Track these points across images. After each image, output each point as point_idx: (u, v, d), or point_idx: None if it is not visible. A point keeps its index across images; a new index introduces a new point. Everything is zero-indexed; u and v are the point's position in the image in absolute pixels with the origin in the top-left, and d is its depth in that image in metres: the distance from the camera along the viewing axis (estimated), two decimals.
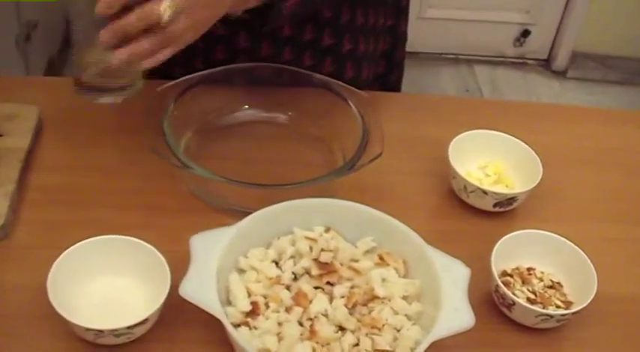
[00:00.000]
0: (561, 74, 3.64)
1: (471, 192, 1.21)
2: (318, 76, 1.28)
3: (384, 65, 1.50)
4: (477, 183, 1.20)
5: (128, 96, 1.18)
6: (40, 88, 1.37)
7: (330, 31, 1.37)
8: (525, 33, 3.60)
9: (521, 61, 3.69)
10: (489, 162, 1.28)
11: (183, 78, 1.21)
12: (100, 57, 1.05)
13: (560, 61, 3.63)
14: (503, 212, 1.23)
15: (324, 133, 1.28)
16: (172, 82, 1.21)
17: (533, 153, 1.26)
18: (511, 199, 1.20)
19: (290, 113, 1.30)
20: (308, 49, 1.38)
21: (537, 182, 1.21)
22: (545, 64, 3.69)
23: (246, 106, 1.29)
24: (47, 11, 2.84)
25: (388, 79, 1.52)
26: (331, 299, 1.00)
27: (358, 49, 1.40)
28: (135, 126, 1.21)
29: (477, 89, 3.45)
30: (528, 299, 1.07)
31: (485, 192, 1.19)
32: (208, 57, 1.33)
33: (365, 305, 1.00)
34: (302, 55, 1.38)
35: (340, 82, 1.26)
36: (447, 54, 3.58)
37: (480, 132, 1.28)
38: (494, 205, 1.21)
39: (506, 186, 1.25)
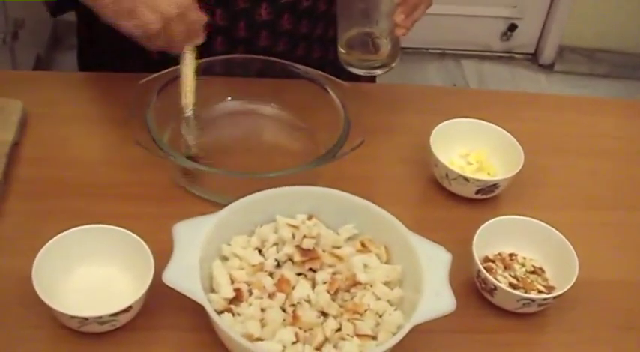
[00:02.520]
0: (548, 68, 3.65)
1: (453, 179, 1.22)
2: (300, 67, 1.29)
3: None
4: (459, 170, 1.21)
5: (387, 71, 1.26)
6: (24, 82, 1.37)
7: (323, 23, 1.40)
8: (512, 27, 3.60)
9: (508, 55, 3.69)
10: (471, 150, 1.29)
11: (166, 70, 1.22)
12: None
13: (547, 55, 3.63)
14: (486, 199, 1.24)
15: (306, 124, 1.28)
16: (154, 75, 1.21)
17: (515, 140, 1.27)
18: (493, 186, 1.21)
19: (272, 104, 1.30)
20: (301, 40, 1.40)
21: (519, 169, 1.22)
22: (532, 58, 3.70)
23: (229, 98, 1.30)
24: (34, 10, 2.84)
25: None
26: (314, 285, 1.01)
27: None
28: (119, 118, 1.22)
29: (464, 84, 3.45)
30: (510, 285, 1.08)
31: (467, 179, 1.20)
32: (208, 48, 1.34)
33: (347, 290, 1.01)
34: (296, 47, 1.40)
35: (322, 73, 1.27)
36: (433, 49, 3.59)
37: (461, 121, 1.29)
38: (477, 192, 1.22)
39: (489, 174, 1.26)
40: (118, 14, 1.09)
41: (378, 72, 1.25)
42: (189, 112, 1.18)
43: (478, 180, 1.20)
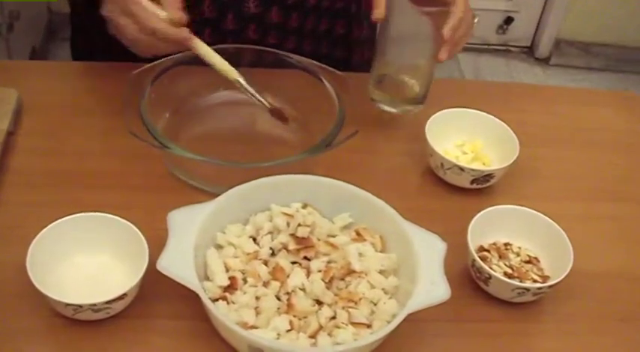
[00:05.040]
0: (544, 61, 3.65)
1: (448, 169, 1.22)
2: (293, 56, 1.29)
3: (342, 48, 1.51)
4: (453, 160, 1.21)
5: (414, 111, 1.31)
6: (19, 71, 1.37)
7: (314, 17, 1.40)
8: (508, 20, 3.61)
9: (504, 48, 3.69)
10: (466, 140, 1.29)
11: (159, 61, 1.21)
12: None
13: (544, 48, 3.64)
14: (481, 189, 1.24)
15: (301, 113, 1.28)
16: (148, 65, 1.21)
17: (510, 131, 1.27)
18: (488, 176, 1.21)
19: (266, 94, 1.30)
20: (291, 33, 1.40)
21: (514, 159, 1.22)
22: (529, 51, 3.70)
23: (223, 87, 1.30)
24: (29, 2, 2.84)
25: (350, 62, 1.52)
26: (308, 274, 1.01)
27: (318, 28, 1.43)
28: (113, 108, 1.21)
29: (460, 77, 3.46)
30: (505, 274, 1.08)
31: (462, 169, 1.20)
32: None
33: (342, 279, 1.01)
34: (286, 40, 1.40)
35: (316, 62, 1.27)
36: None
37: (457, 111, 1.29)
38: (472, 182, 1.22)
39: (484, 164, 1.26)
40: (115, 29, 1.15)
41: (409, 108, 1.28)
42: (241, 80, 1.18)
43: (473, 170, 1.20)
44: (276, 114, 1.21)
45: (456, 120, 1.29)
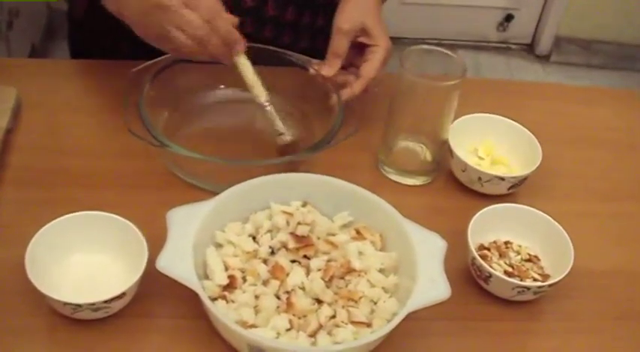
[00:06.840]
0: (544, 58, 3.65)
1: (487, 181, 1.20)
2: (294, 54, 1.28)
3: None
4: (492, 171, 1.20)
5: (426, 182, 1.26)
6: (19, 69, 1.37)
7: (310, 11, 1.40)
8: (509, 17, 3.60)
9: (504, 45, 3.69)
10: (477, 144, 1.28)
11: (159, 58, 1.21)
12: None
13: (544, 45, 3.63)
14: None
15: (300, 111, 1.28)
16: (148, 63, 1.21)
17: (515, 123, 1.28)
18: (524, 179, 1.21)
19: (267, 91, 1.30)
20: (288, 27, 1.39)
21: (539, 155, 1.22)
22: (529, 49, 3.70)
23: (223, 85, 1.29)
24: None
25: None
26: (308, 272, 1.00)
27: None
28: (112, 106, 1.21)
29: None
30: (506, 272, 1.07)
31: (502, 179, 1.19)
32: None
33: (342, 278, 1.00)
34: (282, 34, 1.40)
35: (316, 60, 1.26)
36: (430, 39, 3.58)
37: (463, 119, 1.27)
38: (509, 188, 1.21)
39: (505, 166, 1.26)
40: (148, 37, 1.10)
41: (422, 179, 1.26)
42: (268, 106, 1.18)
43: (513, 177, 1.19)
44: (286, 150, 1.19)
45: (469, 125, 1.27)
